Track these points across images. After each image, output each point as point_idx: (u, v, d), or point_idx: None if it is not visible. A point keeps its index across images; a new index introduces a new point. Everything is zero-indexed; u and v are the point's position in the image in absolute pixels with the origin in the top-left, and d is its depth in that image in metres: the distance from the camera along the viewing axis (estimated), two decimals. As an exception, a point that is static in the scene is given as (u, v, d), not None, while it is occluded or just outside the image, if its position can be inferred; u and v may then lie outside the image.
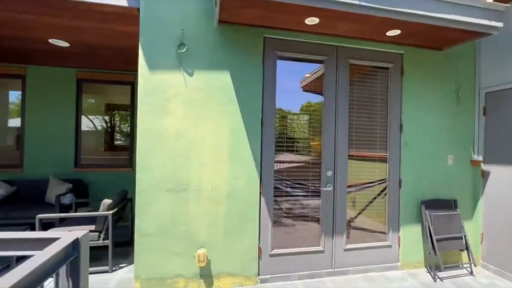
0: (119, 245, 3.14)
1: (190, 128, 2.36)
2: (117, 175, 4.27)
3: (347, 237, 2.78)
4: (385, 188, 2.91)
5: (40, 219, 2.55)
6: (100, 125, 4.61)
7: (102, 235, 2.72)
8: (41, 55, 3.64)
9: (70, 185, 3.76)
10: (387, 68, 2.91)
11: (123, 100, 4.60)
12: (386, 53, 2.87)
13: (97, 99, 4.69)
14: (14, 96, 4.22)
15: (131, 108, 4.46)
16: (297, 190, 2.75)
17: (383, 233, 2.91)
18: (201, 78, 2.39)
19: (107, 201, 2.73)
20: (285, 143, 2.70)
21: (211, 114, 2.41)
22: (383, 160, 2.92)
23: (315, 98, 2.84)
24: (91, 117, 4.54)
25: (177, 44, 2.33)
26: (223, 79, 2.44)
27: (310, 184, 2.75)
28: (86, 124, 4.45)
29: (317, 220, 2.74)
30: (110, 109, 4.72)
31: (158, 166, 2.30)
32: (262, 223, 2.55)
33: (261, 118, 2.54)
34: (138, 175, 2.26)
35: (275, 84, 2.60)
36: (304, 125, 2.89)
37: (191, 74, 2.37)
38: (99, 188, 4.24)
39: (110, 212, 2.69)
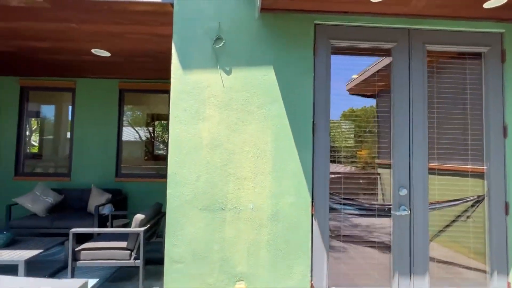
0: (152, 262, 2.90)
1: (228, 135, 2.00)
2: (157, 185, 4.15)
3: (431, 277, 2.08)
4: (474, 206, 2.15)
5: (74, 234, 2.42)
6: (143, 135, 4.61)
7: (133, 254, 2.49)
8: (87, 67, 3.74)
9: (110, 196, 3.72)
10: (479, 54, 2.21)
11: (163, 110, 4.55)
12: (479, 34, 2.17)
13: (138, 109, 4.73)
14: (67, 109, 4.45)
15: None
16: (355, 209, 2.17)
17: (483, 271, 2.13)
18: (240, 77, 2.03)
19: (139, 217, 2.50)
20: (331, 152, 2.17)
21: (252, 118, 2.02)
22: (478, 175, 2.17)
23: (361, 102, 2.26)
24: (132, 127, 4.58)
25: (213, 39, 2.02)
26: (265, 77, 2.04)
27: (372, 202, 2.15)
28: (127, 134, 4.49)
29: (383, 248, 2.11)
30: (150, 118, 4.72)
31: (192, 181, 1.96)
32: (315, 254, 2.02)
33: (313, 122, 2.06)
34: (169, 190, 1.96)
35: (329, 80, 2.11)
36: (348, 132, 2.32)
37: (228, 72, 2.03)
38: (138, 198, 4.17)
39: (142, 229, 2.44)
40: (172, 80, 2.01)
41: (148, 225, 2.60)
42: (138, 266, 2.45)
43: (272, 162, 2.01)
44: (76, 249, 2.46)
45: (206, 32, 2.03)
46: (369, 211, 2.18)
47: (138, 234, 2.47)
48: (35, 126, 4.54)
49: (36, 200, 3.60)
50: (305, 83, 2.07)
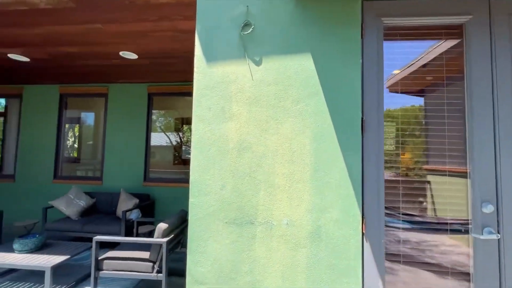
0: (176, 273, 2.69)
1: (258, 137, 1.70)
2: (185, 191, 4.02)
3: (531, 327, 1.53)
4: None
5: (97, 241, 2.30)
6: (171, 140, 4.55)
7: (156, 266, 2.29)
8: (117, 71, 3.76)
9: (137, 201, 3.65)
10: None
11: (191, 113, 4.44)
12: None
13: (166, 113, 4.69)
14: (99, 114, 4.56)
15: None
16: (415, 226, 1.71)
17: None
18: (272, 68, 1.73)
19: (162, 226, 2.31)
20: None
21: (286, 116, 1.70)
22: None
23: (401, 101, 1.79)
24: (162, 131, 4.54)
25: (240, 25, 1.76)
26: (302, 67, 1.72)
27: (441, 217, 1.68)
28: (155, 138, 4.45)
29: (457, 275, 1.61)
30: (179, 122, 4.65)
31: (216, 189, 1.70)
32: (367, 282, 1.61)
33: (362, 119, 1.68)
34: (191, 200, 1.72)
35: (382, 67, 1.72)
36: (391, 134, 1.85)
37: (258, 63, 1.74)
38: (165, 204, 4.07)
39: (165, 240, 2.24)
40: (195, 76, 1.78)
41: (172, 235, 2.40)
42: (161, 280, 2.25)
43: (311, 169, 1.66)
44: (99, 258, 2.34)
45: (233, 19, 1.78)
46: (435, 229, 1.71)
47: (161, 244, 2.27)
48: (72, 132, 4.74)
49: (70, 203, 3.66)
50: (351, 72, 1.70)
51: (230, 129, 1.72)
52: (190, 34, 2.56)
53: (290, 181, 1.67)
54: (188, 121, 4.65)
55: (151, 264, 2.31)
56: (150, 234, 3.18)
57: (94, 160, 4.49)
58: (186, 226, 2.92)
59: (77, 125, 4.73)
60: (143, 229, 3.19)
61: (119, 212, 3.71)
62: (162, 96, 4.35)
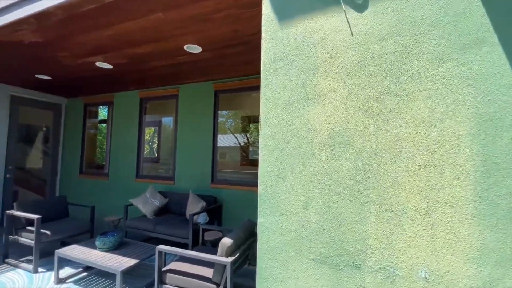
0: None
1: (364, 125, 1.05)
2: (253, 195, 3.65)
3: None
4: None
5: (160, 252, 2.08)
6: (239, 140, 4.27)
7: (220, 290, 1.90)
8: (184, 70, 3.68)
9: (204, 203, 3.46)
10: None
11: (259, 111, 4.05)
12: None
13: (233, 110, 4.44)
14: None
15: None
16: None
17: None
18: (388, 10, 1.04)
19: (226, 243, 1.90)
20: None
21: (417, 88, 0.98)
22: None
23: None
24: (227, 131, 4.32)
25: (330, -46, 1.14)
26: (448, 5, 0.96)
27: None
28: (223, 138, 4.25)
29: None
30: (247, 120, 4.32)
31: (297, 207, 1.13)
32: None
33: None
34: (260, 220, 1.20)
35: None
36: None
37: (361, 7, 1.08)
38: (233, 208, 3.78)
39: (229, 260, 1.82)
40: (263, 44, 1.27)
41: (238, 254, 1.97)
42: (226, 307, 1.84)
43: (474, 180, 0.89)
44: (163, 269, 2.12)
45: (317, -49, 1.18)
46: None
47: (225, 265, 1.86)
48: (155, 133, 5.06)
49: (146, 202, 3.78)
50: None
51: (316, 116, 1.13)
52: (252, 10, 2.10)
53: (429, 201, 0.94)
54: (256, 118, 4.25)
55: (214, 286, 1.94)
56: (216, 244, 2.90)
57: (168, 160, 4.62)
58: (254, 241, 2.47)
59: (154, 128, 5.02)
60: (210, 235, 2.93)
61: (187, 214, 3.59)
62: (228, 93, 4.10)
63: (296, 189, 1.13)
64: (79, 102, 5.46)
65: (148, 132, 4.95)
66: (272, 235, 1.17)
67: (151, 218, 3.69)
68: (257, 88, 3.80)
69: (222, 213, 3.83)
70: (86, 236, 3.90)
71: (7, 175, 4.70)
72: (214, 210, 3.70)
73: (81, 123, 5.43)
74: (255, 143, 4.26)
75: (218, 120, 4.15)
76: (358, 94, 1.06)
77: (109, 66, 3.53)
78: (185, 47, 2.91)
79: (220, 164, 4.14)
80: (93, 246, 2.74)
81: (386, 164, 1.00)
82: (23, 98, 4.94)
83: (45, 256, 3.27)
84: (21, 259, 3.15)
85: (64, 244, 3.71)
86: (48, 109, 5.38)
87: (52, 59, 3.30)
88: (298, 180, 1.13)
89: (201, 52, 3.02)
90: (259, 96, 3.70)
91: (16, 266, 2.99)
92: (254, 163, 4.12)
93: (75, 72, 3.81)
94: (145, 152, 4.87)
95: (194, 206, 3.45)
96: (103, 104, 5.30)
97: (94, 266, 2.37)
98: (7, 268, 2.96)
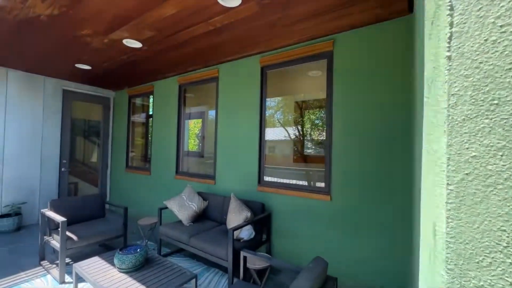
0: None
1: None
2: (312, 204, 2.69)
3: None
4: None
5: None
6: (292, 132, 3.33)
7: None
8: (224, 41, 2.88)
9: (249, 214, 2.65)
10: None
11: (318, 91, 3.01)
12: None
13: (284, 95, 3.48)
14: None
15: (329, 101, 2.74)
16: None
17: None
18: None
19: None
20: None
21: None
22: None
23: None
24: (277, 122, 3.40)
25: None
26: None
27: None
28: (271, 130, 3.36)
29: None
30: (300, 107, 3.33)
31: None
32: None
33: None
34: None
35: None
36: None
37: None
38: (285, 219, 2.89)
39: None
40: None
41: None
42: None
43: None
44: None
45: None
46: None
47: None
48: (191, 126, 4.51)
49: (182, 205, 3.19)
50: None
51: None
52: None
53: None
54: (313, 105, 3.23)
55: None
56: (262, 277, 2.08)
57: (209, 156, 3.97)
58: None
59: (194, 120, 4.43)
60: (253, 262, 2.11)
61: (228, 224, 2.84)
62: (279, 68, 3.15)
63: None
64: (124, 94, 5.30)
65: (196, 125, 4.39)
66: None
67: (188, 225, 3.09)
68: (321, 56, 2.75)
69: (271, 226, 2.98)
70: (120, 241, 3.55)
71: (62, 169, 4.78)
72: (261, 221, 2.88)
73: (125, 116, 5.27)
74: (311, 132, 3.24)
75: (266, 105, 3.27)
76: None
77: (139, 44, 2.99)
78: (219, 0, 2.08)
79: (271, 161, 3.27)
80: (114, 263, 2.22)
81: None
82: (74, 93, 4.96)
83: (80, 259, 2.98)
84: (56, 262, 2.91)
85: (104, 246, 3.42)
86: (98, 103, 5.37)
87: (77, 40, 2.92)
88: None
89: (240, 4, 2.16)
90: (320, 64, 2.59)
91: (48, 271, 2.72)
92: (309, 159, 3.12)
93: (108, 56, 3.42)
94: (190, 146, 4.36)
95: (235, 216, 2.68)
96: (144, 95, 5.00)
97: (104, 297, 1.80)
98: (40, 273, 2.70)
